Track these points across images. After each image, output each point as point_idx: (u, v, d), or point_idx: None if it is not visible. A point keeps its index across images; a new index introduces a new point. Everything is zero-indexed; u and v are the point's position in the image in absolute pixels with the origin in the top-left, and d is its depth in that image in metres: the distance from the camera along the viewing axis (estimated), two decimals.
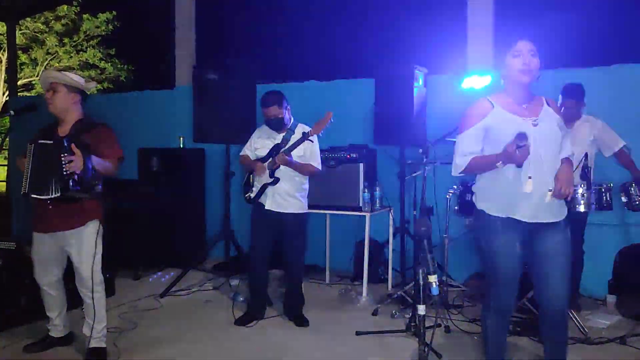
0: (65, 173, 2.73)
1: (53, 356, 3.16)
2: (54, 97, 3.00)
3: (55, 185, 2.77)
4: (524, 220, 2.38)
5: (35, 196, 2.80)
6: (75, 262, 2.97)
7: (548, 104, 2.47)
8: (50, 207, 2.89)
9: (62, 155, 2.74)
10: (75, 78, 3.06)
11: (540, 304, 2.52)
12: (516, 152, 2.22)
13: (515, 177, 2.37)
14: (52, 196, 2.78)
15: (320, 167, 3.78)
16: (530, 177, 2.33)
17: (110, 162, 2.98)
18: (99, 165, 2.90)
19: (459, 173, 2.50)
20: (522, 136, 2.19)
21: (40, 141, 2.84)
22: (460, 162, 2.48)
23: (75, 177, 2.76)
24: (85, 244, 2.95)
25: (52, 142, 2.82)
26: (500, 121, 2.40)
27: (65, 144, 2.77)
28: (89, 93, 3.18)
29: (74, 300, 3.28)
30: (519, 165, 2.31)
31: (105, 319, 3.11)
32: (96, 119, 3.14)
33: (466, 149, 2.46)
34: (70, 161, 2.73)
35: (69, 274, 3.11)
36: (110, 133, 3.09)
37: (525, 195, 2.35)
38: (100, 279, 3.06)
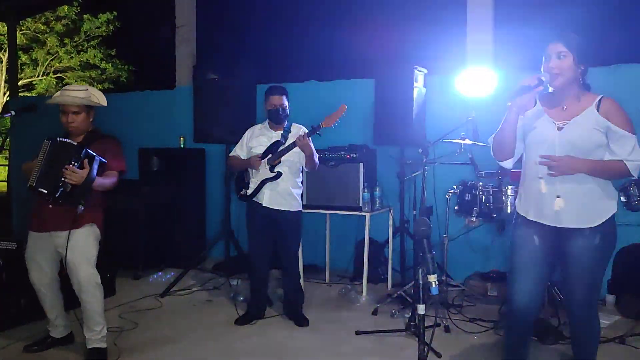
0: (62, 179, 2.75)
1: (53, 356, 3.17)
2: (76, 118, 3.02)
3: (49, 185, 2.79)
4: (536, 220, 2.39)
5: (41, 190, 2.80)
6: (70, 264, 2.94)
7: (599, 105, 2.31)
8: (50, 206, 2.90)
9: (70, 162, 2.76)
10: (97, 97, 3.08)
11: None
12: (521, 92, 2.26)
13: (535, 178, 2.38)
14: (44, 192, 2.80)
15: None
16: (540, 178, 2.33)
17: (111, 175, 3.01)
18: (100, 186, 2.93)
19: (494, 156, 2.51)
20: (539, 80, 2.26)
21: (60, 138, 2.86)
22: (490, 143, 2.52)
23: (68, 188, 2.78)
24: (80, 246, 2.94)
25: (72, 142, 2.86)
26: (533, 119, 2.41)
27: (82, 155, 2.80)
28: None
29: (74, 300, 3.28)
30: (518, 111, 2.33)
31: (104, 320, 3.10)
32: (105, 131, 3.19)
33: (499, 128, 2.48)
34: (73, 172, 2.75)
35: (67, 275, 3.10)
36: (118, 145, 3.16)
37: (541, 197, 2.35)
38: (97, 281, 3.03)
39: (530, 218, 2.42)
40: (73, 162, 2.78)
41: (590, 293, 2.39)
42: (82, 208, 2.84)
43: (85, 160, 2.82)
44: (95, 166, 2.86)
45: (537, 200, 2.38)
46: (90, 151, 2.88)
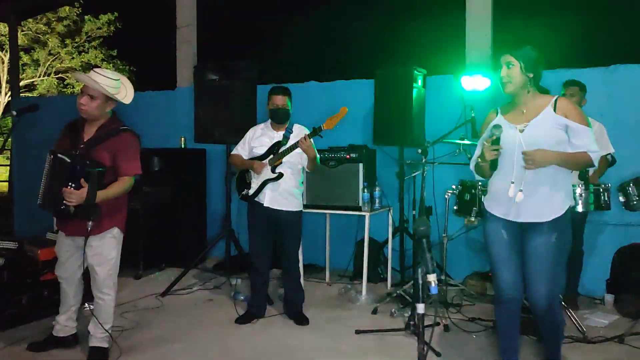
0: (63, 202, 2.75)
1: (56, 355, 3.18)
2: (90, 103, 2.89)
3: (53, 207, 2.81)
4: (503, 217, 2.58)
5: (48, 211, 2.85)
6: (92, 265, 2.98)
7: (555, 105, 2.49)
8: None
9: (67, 184, 2.73)
10: (122, 93, 2.97)
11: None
12: (489, 148, 2.49)
13: (502, 178, 2.57)
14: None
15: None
16: (513, 183, 2.50)
17: (121, 182, 2.94)
18: (105, 199, 2.86)
19: (478, 177, 2.82)
20: (497, 127, 2.49)
21: (58, 155, 2.81)
22: (471, 166, 2.81)
23: (71, 209, 2.77)
24: (103, 249, 2.98)
25: (69, 160, 2.78)
26: None
27: (78, 174, 2.74)
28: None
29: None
30: (492, 167, 2.57)
31: (112, 321, 3.13)
32: (124, 121, 3.09)
33: (475, 155, 2.74)
34: (71, 194, 2.73)
35: (86, 272, 3.15)
36: (134, 144, 3.03)
37: (507, 198, 2.53)
38: (114, 282, 3.08)
39: (495, 214, 2.62)
40: (70, 184, 2.73)
41: (550, 287, 2.50)
42: (91, 224, 2.83)
43: (82, 180, 2.75)
44: (94, 180, 2.77)
45: (503, 199, 2.56)
46: (85, 168, 2.77)
